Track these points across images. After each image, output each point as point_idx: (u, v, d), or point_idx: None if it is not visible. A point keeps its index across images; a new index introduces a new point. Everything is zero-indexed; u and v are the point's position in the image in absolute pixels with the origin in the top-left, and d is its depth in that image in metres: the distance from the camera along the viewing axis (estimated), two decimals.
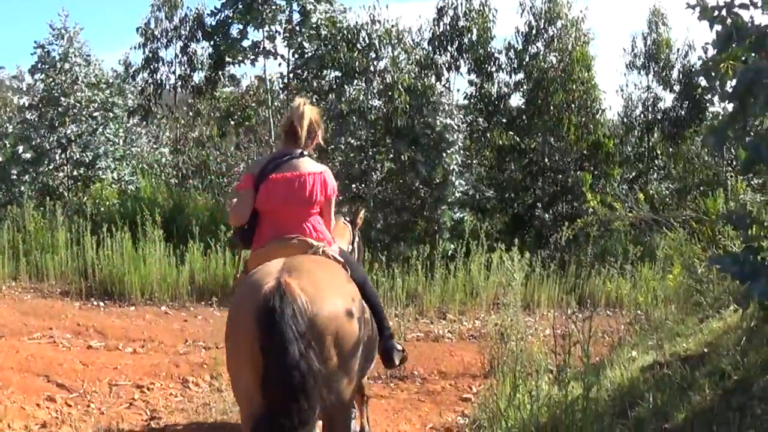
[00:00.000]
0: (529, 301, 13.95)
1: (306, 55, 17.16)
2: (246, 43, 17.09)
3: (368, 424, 7.05)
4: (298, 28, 17.03)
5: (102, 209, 16.87)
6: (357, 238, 7.21)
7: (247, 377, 4.33)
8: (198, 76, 18.86)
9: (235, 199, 5.68)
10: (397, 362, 5.85)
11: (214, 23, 17.09)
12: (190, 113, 19.81)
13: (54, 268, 13.94)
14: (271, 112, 17.39)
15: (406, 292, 13.28)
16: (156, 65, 18.91)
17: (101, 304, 13.03)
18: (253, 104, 17.42)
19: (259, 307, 4.24)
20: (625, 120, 22.28)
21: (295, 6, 16.98)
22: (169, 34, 18.75)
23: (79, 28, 18.23)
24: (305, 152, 5.59)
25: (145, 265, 13.50)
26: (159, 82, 19.12)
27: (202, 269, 13.92)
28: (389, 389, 9.53)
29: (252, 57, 17.19)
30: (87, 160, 18.46)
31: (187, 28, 18.68)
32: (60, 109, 17.75)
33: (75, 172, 18.53)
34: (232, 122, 17.19)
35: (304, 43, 17.12)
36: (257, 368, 4.21)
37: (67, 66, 17.95)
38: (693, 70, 20.21)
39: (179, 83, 19.10)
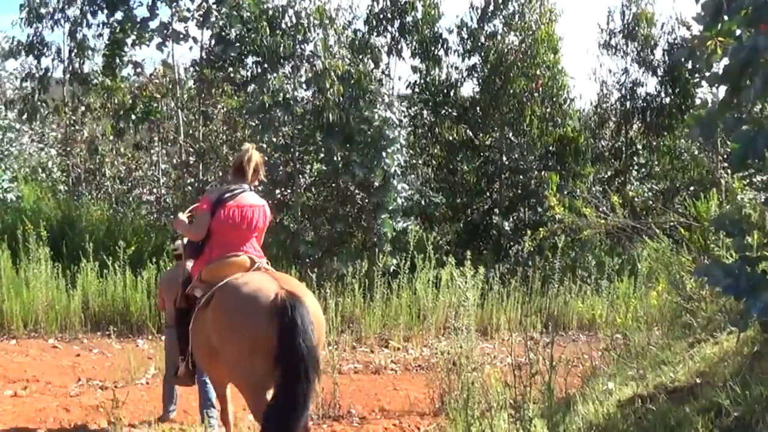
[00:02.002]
0: (486, 324, 14.01)
1: (226, 38, 16.88)
2: (153, 24, 16.80)
3: None
4: (215, 6, 16.76)
5: None
6: None
7: (261, 365, 6.44)
8: (89, 65, 18.57)
9: (181, 215, 7.88)
10: None
11: None
12: (81, 108, 19.48)
13: None
14: (179, 104, 17.15)
15: (342, 316, 13.22)
16: (41, 50, 18.48)
17: None
18: (158, 95, 17.16)
19: (277, 310, 6.44)
20: (598, 110, 22.28)
21: None
22: (56, 15, 18.42)
23: None
24: (251, 187, 7.83)
25: (28, 290, 13.26)
26: (45, 70, 18.69)
27: (98, 293, 13.74)
28: (321, 431, 9.39)
29: (160, 39, 16.86)
30: None
31: (77, 9, 18.33)
32: None
33: None
34: (133, 117, 16.85)
35: (223, 25, 16.83)
36: (271, 356, 6.35)
37: None
38: (679, 48, 20.15)
39: (68, 73, 18.72)
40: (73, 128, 20.05)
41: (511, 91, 19.39)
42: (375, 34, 20.24)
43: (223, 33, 16.99)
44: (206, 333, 7.03)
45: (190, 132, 17.48)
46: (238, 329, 6.69)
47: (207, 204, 7.54)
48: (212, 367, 7.38)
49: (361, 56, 18.38)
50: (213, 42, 17.20)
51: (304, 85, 16.60)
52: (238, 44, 16.83)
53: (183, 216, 7.88)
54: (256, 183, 8.05)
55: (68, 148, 19.92)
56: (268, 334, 6.38)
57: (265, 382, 6.54)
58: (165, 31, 16.75)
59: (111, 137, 18.87)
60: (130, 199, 18.97)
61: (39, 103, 18.51)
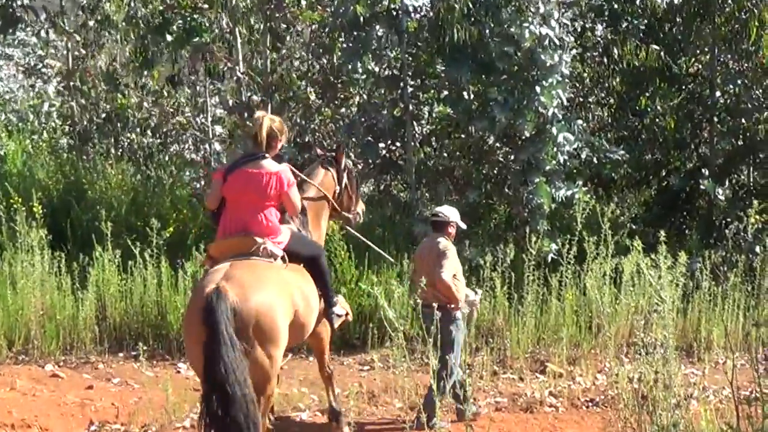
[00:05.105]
0: (691, 339, 13.89)
1: None
2: None
3: (336, 401, 11.10)
4: None
5: None
6: (345, 179, 11.52)
7: (198, 365, 8.47)
8: None
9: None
10: (336, 326, 10.75)
11: None
12: (90, 23, 19.41)
13: None
14: (235, 18, 17.02)
15: (476, 327, 13.12)
16: None
17: None
18: (204, 6, 16.99)
19: (202, 306, 8.30)
20: None
21: None
22: None
23: None
24: (267, 155, 9.90)
25: (15, 293, 13.32)
26: None
27: (120, 296, 13.79)
28: None
29: None
30: None
31: None
32: None
33: None
34: (169, 37, 16.70)
35: None
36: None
37: None
38: None
39: None
40: (81, 53, 19.94)
41: None
42: None
43: None
44: None
45: (253, 60, 17.41)
46: (185, 319, 9.36)
47: (220, 172, 9.97)
48: None
49: None
50: None
51: None
52: None
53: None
54: (278, 150, 10.23)
55: (73, 83, 19.69)
56: (198, 329, 8.34)
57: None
58: None
59: (137, 66, 18.75)
60: (167, 158, 19.15)
61: (20, 10, 18.50)
